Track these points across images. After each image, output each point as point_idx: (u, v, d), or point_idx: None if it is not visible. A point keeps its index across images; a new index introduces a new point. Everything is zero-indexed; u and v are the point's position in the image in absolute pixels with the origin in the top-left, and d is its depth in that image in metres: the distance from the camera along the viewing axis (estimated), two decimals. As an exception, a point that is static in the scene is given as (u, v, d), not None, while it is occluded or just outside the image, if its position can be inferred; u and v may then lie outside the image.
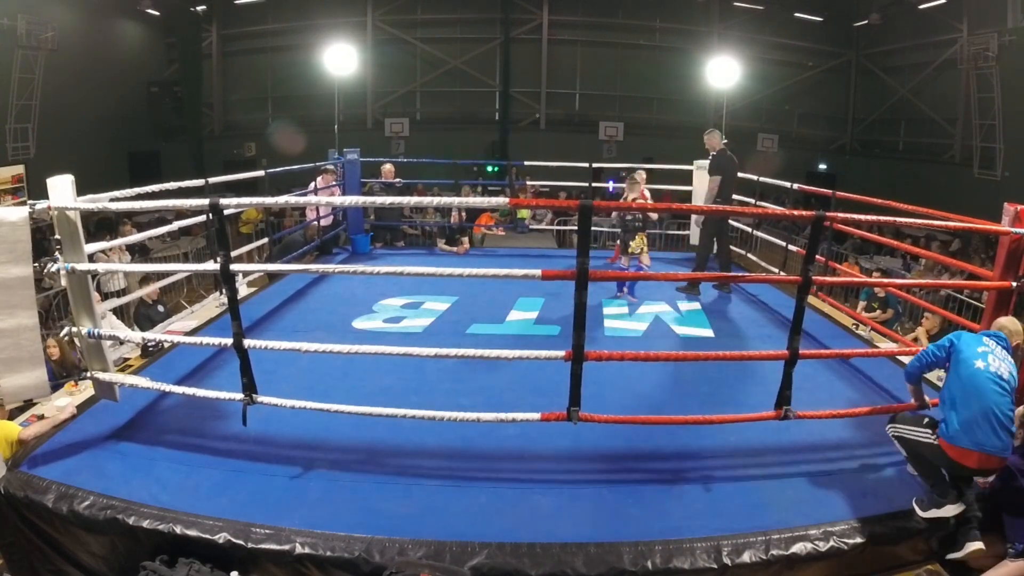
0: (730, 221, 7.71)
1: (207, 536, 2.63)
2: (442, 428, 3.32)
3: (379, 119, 18.33)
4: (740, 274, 6.75)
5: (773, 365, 3.28)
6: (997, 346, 2.86)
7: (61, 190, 3.08)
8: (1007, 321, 3.04)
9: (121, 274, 8.30)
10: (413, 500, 2.91)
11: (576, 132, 18.13)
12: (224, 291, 3.26)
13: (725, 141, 8.23)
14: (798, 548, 2.63)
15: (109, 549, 2.79)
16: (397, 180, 8.53)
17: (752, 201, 7.57)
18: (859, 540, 2.68)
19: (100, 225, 10.47)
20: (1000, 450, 2.69)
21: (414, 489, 3.00)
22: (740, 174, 7.72)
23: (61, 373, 5.44)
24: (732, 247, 7.87)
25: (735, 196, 6.80)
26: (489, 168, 15.59)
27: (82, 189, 3.19)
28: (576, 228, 3.70)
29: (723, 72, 11.67)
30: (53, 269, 3.15)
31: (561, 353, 3.03)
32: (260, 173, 6.37)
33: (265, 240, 7.15)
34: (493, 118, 18.53)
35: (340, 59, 11.76)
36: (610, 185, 10.59)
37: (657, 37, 18.04)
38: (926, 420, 2.88)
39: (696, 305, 5.86)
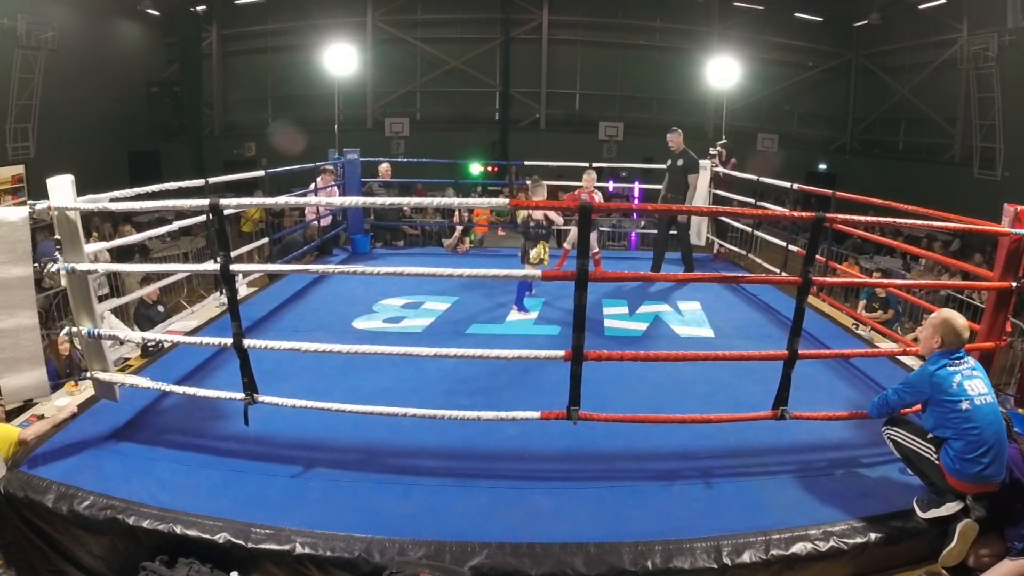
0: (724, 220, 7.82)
1: (207, 536, 2.63)
2: (442, 428, 3.32)
3: (379, 119, 18.33)
4: (740, 274, 6.77)
5: (773, 365, 3.28)
6: (963, 364, 2.78)
7: (61, 190, 3.08)
8: (956, 324, 2.82)
9: (104, 277, 8.28)
10: (413, 500, 2.91)
11: (576, 132, 18.13)
12: (224, 291, 3.26)
13: (724, 142, 8.24)
14: (798, 548, 2.63)
15: (109, 549, 2.79)
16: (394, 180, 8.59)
17: (752, 201, 7.57)
18: (859, 540, 2.68)
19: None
20: (997, 475, 2.69)
21: (414, 489, 3.00)
22: (740, 174, 7.76)
23: (65, 371, 5.45)
24: (732, 247, 7.91)
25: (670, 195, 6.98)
26: (475, 172, 14.63)
27: (82, 189, 3.19)
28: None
29: (723, 72, 11.65)
30: (53, 269, 3.16)
31: (561, 353, 3.04)
32: (260, 173, 6.38)
33: (265, 240, 7.15)
34: (493, 118, 18.53)
35: (340, 59, 11.75)
36: (610, 185, 10.60)
37: (657, 37, 18.05)
38: (930, 436, 2.80)
39: (696, 305, 5.85)
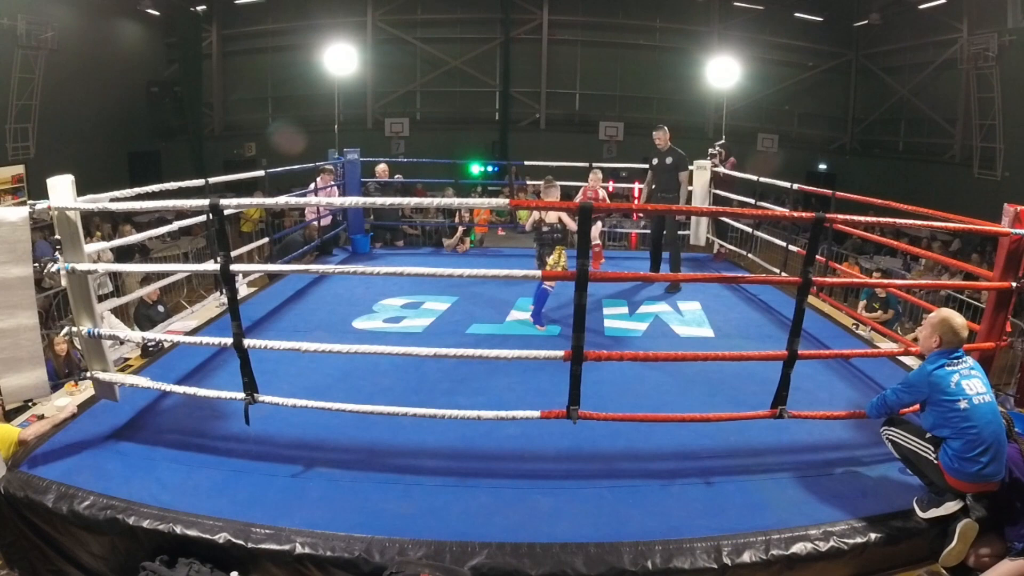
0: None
1: (207, 536, 2.63)
2: (442, 428, 3.32)
3: (379, 119, 18.34)
4: (740, 274, 6.77)
5: (773, 365, 3.28)
6: (961, 363, 2.79)
7: (61, 190, 3.07)
8: (955, 323, 2.84)
9: (107, 276, 8.28)
10: (413, 500, 2.91)
11: (576, 132, 18.15)
12: (224, 291, 3.26)
13: (723, 142, 8.22)
14: (798, 548, 2.63)
15: (109, 549, 2.79)
16: (395, 178, 8.60)
17: (752, 201, 7.57)
18: (859, 540, 2.68)
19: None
20: (996, 473, 2.69)
21: (414, 489, 2.99)
22: (740, 174, 7.75)
23: (63, 371, 5.45)
24: (732, 247, 7.90)
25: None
26: (475, 171, 14.33)
27: (82, 189, 3.19)
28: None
29: (723, 72, 11.67)
30: (53, 269, 3.16)
31: (561, 353, 3.04)
32: (260, 173, 6.37)
33: (265, 240, 7.15)
34: (493, 118, 18.54)
35: (340, 59, 11.76)
36: (610, 185, 10.58)
37: (657, 37, 18.06)
38: (928, 436, 2.81)
39: (696, 305, 5.85)
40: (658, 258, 6.84)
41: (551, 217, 5.11)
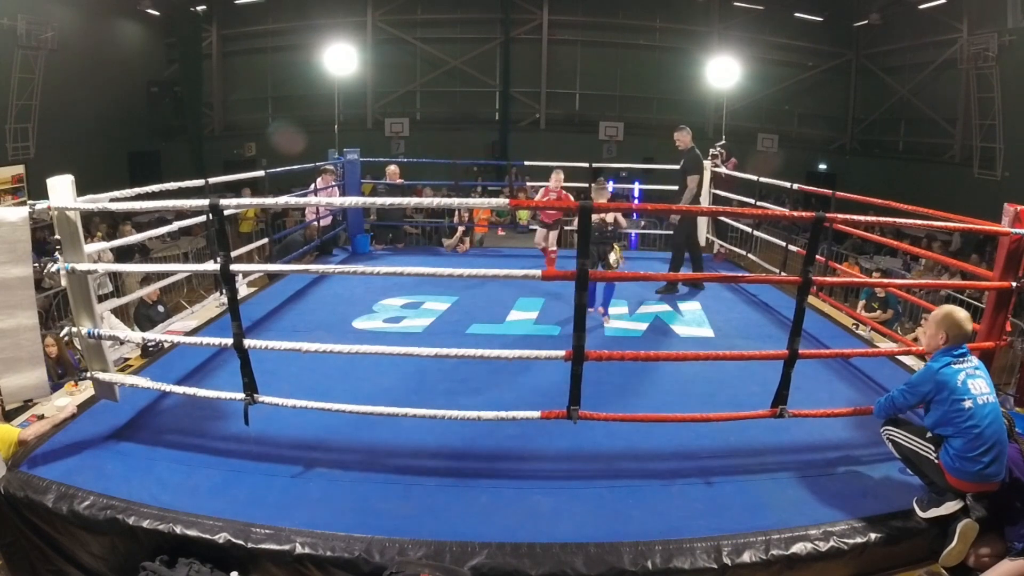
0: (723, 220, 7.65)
1: (207, 536, 2.63)
2: (442, 428, 3.32)
3: (379, 119, 18.34)
4: (740, 274, 6.76)
5: (773, 365, 3.28)
6: (967, 362, 2.79)
7: (61, 190, 3.07)
8: (959, 317, 2.84)
9: (106, 276, 8.27)
10: (413, 500, 2.91)
11: (576, 132, 18.15)
12: (224, 291, 3.26)
13: (723, 142, 8.22)
14: (798, 548, 2.63)
15: (109, 549, 2.79)
16: (400, 181, 8.56)
17: (752, 201, 7.57)
18: (859, 540, 2.68)
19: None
20: (998, 474, 2.69)
21: (414, 489, 3.00)
22: (740, 174, 7.75)
23: (56, 372, 5.44)
24: (732, 247, 7.89)
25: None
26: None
27: (82, 189, 3.19)
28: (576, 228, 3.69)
29: (723, 72, 11.69)
30: (53, 269, 3.16)
31: (561, 353, 3.04)
32: (260, 173, 6.37)
33: (265, 240, 7.15)
34: (493, 118, 18.54)
35: (340, 59, 11.78)
36: (610, 185, 10.58)
37: (657, 37, 18.06)
38: (929, 435, 2.81)
39: (696, 305, 5.86)
40: (679, 260, 6.73)
41: (608, 217, 5.40)
